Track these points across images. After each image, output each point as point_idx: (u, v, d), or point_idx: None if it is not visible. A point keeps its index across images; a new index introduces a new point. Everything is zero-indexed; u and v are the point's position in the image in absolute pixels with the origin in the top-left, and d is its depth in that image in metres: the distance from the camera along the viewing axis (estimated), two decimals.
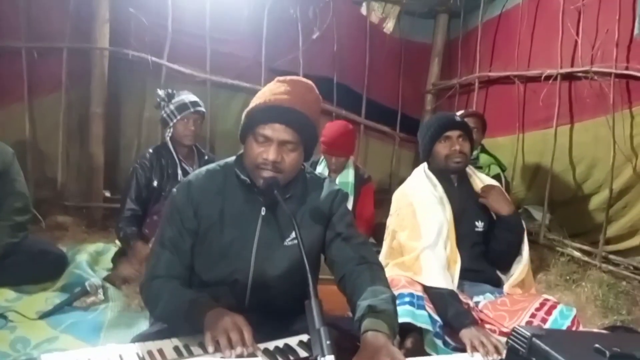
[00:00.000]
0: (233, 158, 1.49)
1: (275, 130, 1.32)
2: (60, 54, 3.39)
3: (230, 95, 3.83)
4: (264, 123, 1.32)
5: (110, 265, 2.69)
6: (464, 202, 2.12)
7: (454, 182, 2.16)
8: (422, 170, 2.21)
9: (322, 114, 3.42)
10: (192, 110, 2.64)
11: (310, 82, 1.42)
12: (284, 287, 1.42)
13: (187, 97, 2.68)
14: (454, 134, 2.09)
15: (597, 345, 0.89)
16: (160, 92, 2.69)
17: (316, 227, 1.45)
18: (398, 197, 2.20)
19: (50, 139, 3.50)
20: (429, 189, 2.11)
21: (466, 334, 1.65)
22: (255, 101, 1.38)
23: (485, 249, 2.11)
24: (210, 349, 1.13)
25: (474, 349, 1.55)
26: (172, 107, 2.63)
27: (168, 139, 2.66)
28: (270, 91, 1.36)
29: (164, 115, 2.64)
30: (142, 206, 2.58)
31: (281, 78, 1.39)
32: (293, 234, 1.41)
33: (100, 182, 3.55)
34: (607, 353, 0.87)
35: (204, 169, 1.49)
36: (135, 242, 2.43)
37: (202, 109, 2.72)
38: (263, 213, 1.41)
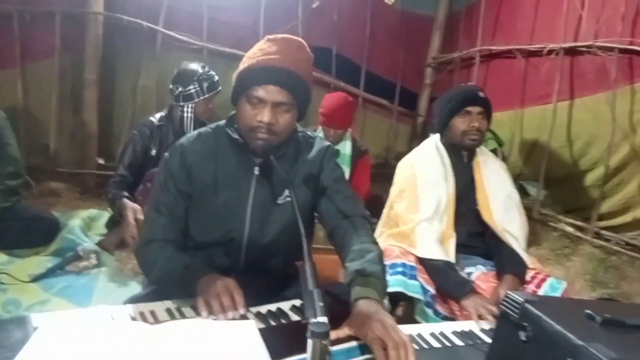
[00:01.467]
0: (224, 121, 1.47)
1: (269, 92, 1.29)
2: (53, 19, 3.31)
3: (227, 64, 3.75)
4: (257, 84, 1.30)
5: (104, 230, 2.69)
6: (470, 180, 2.10)
7: (463, 158, 2.12)
8: (433, 142, 2.17)
9: (320, 86, 3.43)
10: (218, 89, 2.64)
11: (301, 40, 1.37)
12: (279, 246, 1.43)
13: (214, 75, 2.66)
14: (475, 109, 2.03)
15: (588, 311, 0.89)
16: (199, 68, 2.63)
17: (308, 185, 1.45)
18: (402, 167, 2.17)
19: (43, 105, 3.45)
20: (436, 162, 2.08)
21: (470, 304, 1.65)
22: (246, 62, 1.34)
23: (483, 229, 2.09)
24: (204, 313, 1.13)
25: (480, 317, 1.56)
26: (205, 84, 2.59)
27: (191, 115, 2.61)
28: (261, 51, 1.33)
29: (193, 90, 2.59)
30: (134, 173, 2.56)
31: (271, 37, 1.35)
32: (286, 192, 1.41)
33: (94, 150, 3.52)
34: (599, 319, 0.87)
35: (195, 132, 1.47)
36: (120, 200, 2.41)
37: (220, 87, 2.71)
38: (257, 173, 1.40)
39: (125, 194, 2.46)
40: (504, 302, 0.96)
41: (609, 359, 0.73)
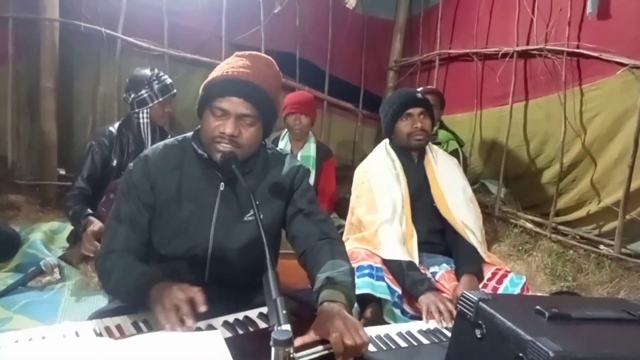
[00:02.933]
0: (191, 133, 1.47)
1: (233, 104, 1.30)
2: (6, 24, 3.20)
3: (189, 70, 3.73)
4: (221, 96, 1.31)
5: (66, 244, 2.62)
6: (423, 179, 2.17)
7: (414, 159, 2.20)
8: (383, 146, 2.25)
9: (284, 90, 3.43)
10: (172, 92, 2.61)
11: (269, 57, 1.41)
12: (244, 262, 1.43)
13: (166, 77, 2.63)
14: (415, 111, 2.11)
15: (537, 307, 0.95)
16: (148, 72, 2.59)
17: (277, 202, 1.45)
18: (358, 173, 2.24)
19: None
20: (387, 165, 2.15)
21: (423, 300, 1.71)
22: (212, 74, 1.36)
23: (443, 225, 2.16)
24: (168, 327, 1.10)
25: (430, 314, 1.62)
26: (155, 88, 2.55)
27: (147, 120, 2.58)
28: (228, 65, 1.35)
29: (145, 95, 2.55)
30: (94, 186, 2.50)
31: (240, 53, 1.38)
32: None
33: (54, 160, 3.42)
34: (546, 313, 0.92)
35: (161, 143, 1.47)
36: (85, 219, 2.36)
37: (175, 89, 2.68)
38: (222, 188, 1.40)
39: (89, 210, 2.40)
40: (461, 301, 1.01)
41: (554, 352, 0.78)
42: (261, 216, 1.16)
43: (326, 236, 1.42)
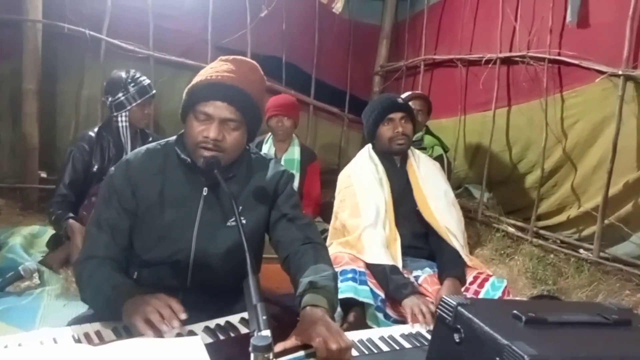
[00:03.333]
0: (174, 137, 1.46)
1: (217, 108, 1.30)
2: None
3: (175, 73, 3.71)
4: (205, 100, 1.30)
5: (46, 248, 2.58)
6: (405, 183, 2.19)
7: (396, 163, 2.22)
8: (366, 151, 2.27)
9: (270, 93, 3.44)
10: (150, 93, 2.59)
11: (254, 62, 1.41)
12: (227, 267, 1.42)
13: (143, 79, 2.60)
14: (396, 116, 2.15)
15: (515, 311, 0.96)
16: (122, 73, 2.56)
17: (260, 207, 1.45)
18: (341, 177, 2.25)
19: None
20: (370, 170, 2.17)
21: (407, 303, 1.72)
22: (196, 79, 1.35)
23: (426, 229, 2.18)
24: (150, 333, 1.08)
25: (414, 317, 1.63)
26: (132, 90, 2.52)
27: (126, 124, 2.55)
28: (212, 69, 1.34)
29: (122, 98, 2.52)
30: (76, 191, 2.48)
31: (224, 57, 1.38)
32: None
33: (36, 163, 3.36)
34: (523, 318, 0.94)
35: (143, 148, 1.46)
36: (66, 222, 2.33)
37: (154, 90, 2.66)
38: (205, 193, 1.40)
39: (71, 214, 2.37)
40: (440, 306, 1.02)
41: (530, 356, 0.80)
42: (244, 221, 1.16)
43: (310, 241, 1.42)
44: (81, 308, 1.97)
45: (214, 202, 1.40)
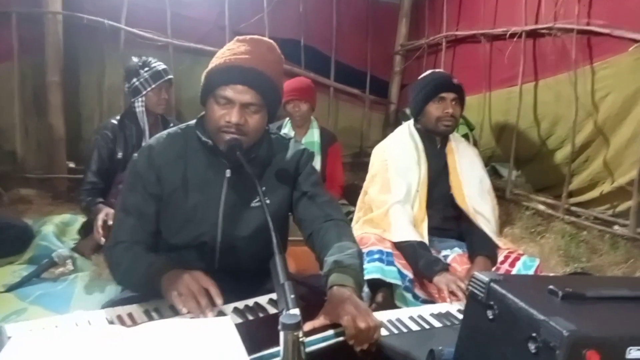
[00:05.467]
0: (194, 121, 1.46)
1: (237, 92, 1.29)
2: (9, 20, 3.20)
3: (194, 60, 3.71)
4: (224, 84, 1.29)
5: (78, 236, 2.65)
6: (443, 165, 2.14)
7: (437, 144, 2.16)
8: (407, 128, 2.20)
9: (289, 77, 3.41)
10: (165, 78, 2.60)
11: (271, 41, 1.38)
12: (253, 248, 1.43)
13: (158, 64, 2.61)
14: (449, 96, 2.07)
15: (551, 286, 0.93)
16: (135, 59, 2.59)
17: (283, 187, 1.45)
18: (376, 152, 2.21)
19: (5, 110, 3.34)
20: (409, 148, 2.12)
21: (441, 280, 1.70)
22: (214, 61, 1.34)
23: (457, 212, 2.13)
24: (184, 310, 1.13)
25: (452, 293, 1.60)
26: (145, 75, 2.54)
27: (143, 108, 2.58)
28: (229, 51, 1.32)
29: (137, 83, 2.55)
30: (104, 178, 2.52)
31: (241, 37, 1.35)
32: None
33: (63, 154, 3.44)
34: (560, 293, 0.90)
35: (164, 133, 1.46)
36: (96, 206, 2.38)
37: (172, 75, 2.67)
38: (228, 175, 1.40)
39: (100, 199, 2.42)
40: (471, 283, 1.00)
41: (568, 331, 0.77)
42: (267, 201, 1.16)
43: (331, 218, 1.41)
44: (113, 292, 2.03)
45: (237, 184, 1.40)
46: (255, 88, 1.29)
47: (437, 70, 2.29)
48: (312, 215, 1.42)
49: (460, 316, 1.45)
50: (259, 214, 1.39)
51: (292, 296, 0.89)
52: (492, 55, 3.59)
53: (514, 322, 0.88)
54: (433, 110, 2.08)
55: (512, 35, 3.30)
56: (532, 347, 0.82)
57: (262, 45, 1.34)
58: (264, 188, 1.23)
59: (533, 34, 3.22)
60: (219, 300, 1.14)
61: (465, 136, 3.17)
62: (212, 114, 1.33)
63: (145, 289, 1.27)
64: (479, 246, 1.94)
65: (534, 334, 0.82)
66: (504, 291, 0.92)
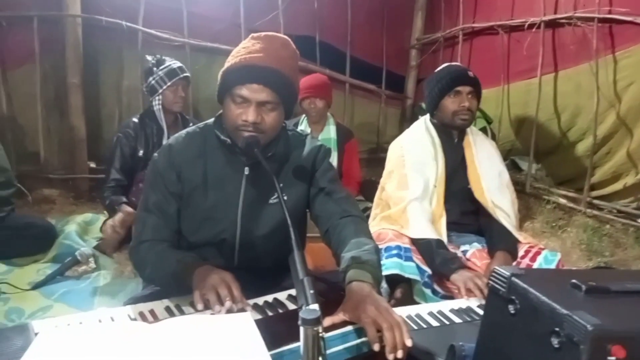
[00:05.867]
0: (212, 120, 1.47)
1: (253, 91, 1.29)
2: (31, 23, 3.26)
3: (210, 59, 3.74)
4: (240, 84, 1.30)
5: (100, 234, 2.70)
6: (460, 159, 2.11)
7: (454, 138, 2.13)
8: (423, 123, 2.18)
9: (305, 74, 3.41)
10: (181, 76, 2.63)
11: (285, 37, 1.38)
12: (272, 244, 1.44)
13: (173, 62, 2.64)
14: (465, 89, 2.04)
15: (573, 280, 0.91)
16: (150, 58, 2.63)
17: (300, 184, 1.45)
18: (392, 148, 2.19)
19: (28, 112, 3.41)
20: (426, 143, 2.09)
21: (458, 278, 1.67)
22: (230, 60, 1.34)
23: (476, 207, 2.11)
24: (200, 306, 1.14)
25: (469, 291, 1.58)
26: (160, 73, 2.57)
27: (159, 107, 2.61)
28: (245, 49, 1.33)
29: (153, 82, 2.58)
30: (127, 176, 2.57)
31: (255, 35, 1.36)
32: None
33: (84, 154, 3.50)
34: (583, 287, 0.89)
35: (183, 132, 1.47)
36: (120, 206, 2.42)
37: (188, 73, 2.70)
38: (247, 173, 1.41)
39: (124, 199, 2.46)
40: (492, 277, 0.98)
41: (592, 325, 0.75)
42: (285, 197, 1.16)
43: (348, 214, 1.40)
44: (135, 289, 2.07)
45: (255, 181, 1.41)
46: (271, 86, 1.30)
47: (452, 63, 2.26)
48: (329, 212, 1.42)
49: (481, 312, 1.43)
50: (277, 210, 1.40)
51: (312, 291, 0.89)
52: (510, 46, 3.54)
53: (536, 316, 0.86)
54: (449, 104, 2.05)
55: (531, 26, 3.25)
56: (554, 341, 0.81)
57: (276, 42, 1.35)
58: (281, 184, 1.23)
59: (552, 24, 3.17)
60: (239, 305, 1.15)
61: (483, 129, 3.13)
62: (229, 112, 1.34)
63: (174, 285, 1.28)
64: (499, 241, 1.92)
65: (556, 329, 0.81)
66: (525, 285, 0.90)
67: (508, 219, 1.99)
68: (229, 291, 1.16)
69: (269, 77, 1.29)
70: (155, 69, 2.58)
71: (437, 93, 2.07)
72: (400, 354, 0.97)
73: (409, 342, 0.99)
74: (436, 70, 2.18)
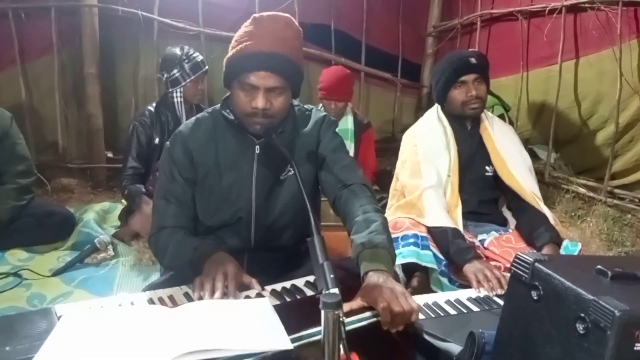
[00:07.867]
0: (219, 105, 1.47)
1: (260, 78, 1.29)
2: (49, 14, 3.29)
3: (225, 48, 3.66)
4: (247, 71, 1.29)
5: (118, 222, 2.73)
6: (476, 147, 2.08)
7: (467, 127, 2.09)
8: (434, 112, 2.15)
9: (320, 63, 3.40)
10: (203, 69, 2.64)
11: (288, 15, 1.35)
12: (287, 221, 1.45)
13: (196, 55, 2.66)
14: (469, 78, 1.99)
15: (599, 266, 0.89)
16: (177, 51, 2.63)
17: (309, 157, 1.46)
18: (405, 138, 2.17)
19: (47, 102, 3.46)
20: (438, 133, 2.06)
21: (470, 269, 1.66)
22: (234, 46, 1.33)
23: (495, 195, 2.08)
24: (195, 295, 1.17)
25: (479, 283, 1.57)
26: (186, 67, 2.58)
27: (181, 99, 2.62)
28: (248, 34, 1.31)
29: (178, 74, 2.59)
30: (144, 164, 2.59)
31: (257, 16, 1.32)
32: (288, 167, 1.42)
33: (102, 143, 3.54)
34: (609, 273, 0.87)
35: (193, 118, 1.49)
36: (140, 197, 2.45)
37: (207, 66, 2.72)
38: (258, 152, 1.42)
39: (143, 189, 2.49)
40: (514, 264, 0.97)
41: (620, 310, 0.74)
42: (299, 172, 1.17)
43: (349, 183, 1.39)
44: (153, 276, 2.10)
45: (266, 159, 1.42)
46: (278, 72, 1.30)
47: (454, 51, 2.21)
48: (331, 182, 1.42)
49: (500, 301, 1.42)
50: (289, 186, 1.43)
51: (332, 276, 0.89)
52: (530, 33, 3.45)
53: (560, 302, 0.84)
54: (456, 95, 2.01)
55: (552, 11, 3.17)
56: (580, 327, 0.79)
57: (279, 23, 1.32)
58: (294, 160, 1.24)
59: (574, 9, 3.08)
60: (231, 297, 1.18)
61: (501, 117, 3.07)
62: (238, 99, 1.34)
63: (191, 272, 1.29)
64: (543, 231, 1.85)
65: (582, 315, 0.79)
66: (549, 271, 0.88)
67: (542, 204, 1.95)
68: (222, 284, 1.17)
69: (276, 63, 1.28)
70: (183, 62, 2.58)
71: (443, 85, 2.03)
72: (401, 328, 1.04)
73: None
74: (439, 61, 2.13)
